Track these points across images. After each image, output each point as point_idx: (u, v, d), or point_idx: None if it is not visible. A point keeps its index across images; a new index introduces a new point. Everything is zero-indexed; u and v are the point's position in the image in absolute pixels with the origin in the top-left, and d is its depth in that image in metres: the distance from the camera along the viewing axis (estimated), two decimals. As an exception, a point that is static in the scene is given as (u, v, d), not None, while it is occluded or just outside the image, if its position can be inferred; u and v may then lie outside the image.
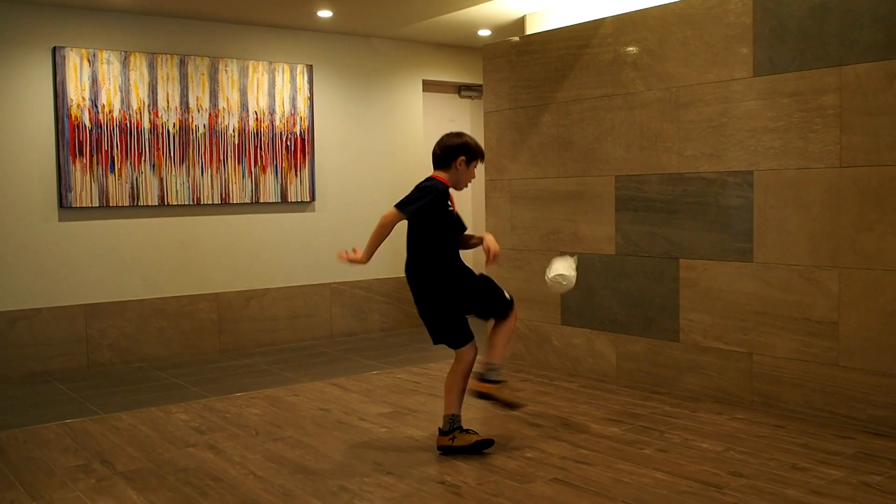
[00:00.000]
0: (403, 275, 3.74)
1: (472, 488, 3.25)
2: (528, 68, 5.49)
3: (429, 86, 7.54)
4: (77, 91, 5.63)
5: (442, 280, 3.64)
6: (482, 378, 3.67)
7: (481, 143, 4.00)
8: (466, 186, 3.80)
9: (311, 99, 6.67)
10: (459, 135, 3.78)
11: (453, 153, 3.70)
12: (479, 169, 3.88)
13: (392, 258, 6.93)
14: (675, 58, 4.62)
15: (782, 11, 4.13)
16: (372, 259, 3.62)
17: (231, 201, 6.31)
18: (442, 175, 3.73)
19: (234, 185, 6.31)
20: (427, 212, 3.60)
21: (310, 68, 6.67)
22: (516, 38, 5.63)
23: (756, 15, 4.24)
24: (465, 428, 3.68)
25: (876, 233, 3.84)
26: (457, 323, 3.66)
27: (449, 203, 3.67)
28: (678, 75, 4.61)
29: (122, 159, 5.81)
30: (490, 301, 3.75)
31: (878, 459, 3.48)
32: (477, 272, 3.80)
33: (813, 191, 4.06)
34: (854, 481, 3.23)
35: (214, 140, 6.20)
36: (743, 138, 4.33)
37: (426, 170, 7.99)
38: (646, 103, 4.79)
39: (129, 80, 5.83)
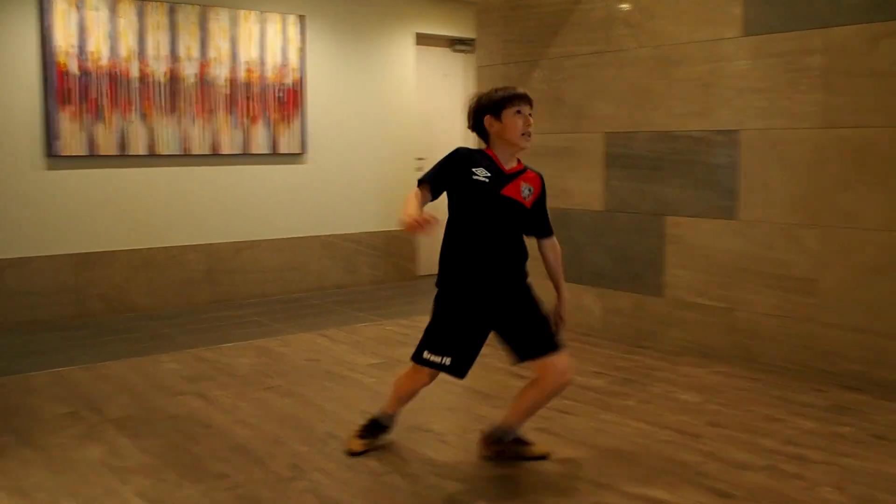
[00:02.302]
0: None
1: (457, 437, 3.34)
2: (522, 23, 5.48)
3: (422, 39, 7.50)
4: (64, 38, 5.57)
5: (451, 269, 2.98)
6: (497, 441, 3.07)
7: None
8: (519, 142, 2.93)
9: (302, 50, 6.63)
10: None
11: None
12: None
13: (384, 211, 6.97)
14: (667, 16, 4.62)
15: (774, -30, 4.13)
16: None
17: (221, 152, 6.30)
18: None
19: (223, 136, 6.29)
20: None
21: (302, 19, 6.62)
22: (508, -8, 5.61)
23: (747, -27, 4.24)
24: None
25: (856, 193, 3.90)
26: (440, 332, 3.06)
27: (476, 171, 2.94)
28: (669, 33, 4.62)
29: (110, 108, 5.78)
30: (525, 329, 3.03)
31: (849, 411, 3.59)
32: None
33: (797, 151, 4.10)
34: (826, 432, 3.33)
35: (204, 90, 6.17)
36: (730, 97, 4.36)
37: (417, 124, 7.92)
38: (636, 61, 4.80)
39: (117, 27, 5.77)
